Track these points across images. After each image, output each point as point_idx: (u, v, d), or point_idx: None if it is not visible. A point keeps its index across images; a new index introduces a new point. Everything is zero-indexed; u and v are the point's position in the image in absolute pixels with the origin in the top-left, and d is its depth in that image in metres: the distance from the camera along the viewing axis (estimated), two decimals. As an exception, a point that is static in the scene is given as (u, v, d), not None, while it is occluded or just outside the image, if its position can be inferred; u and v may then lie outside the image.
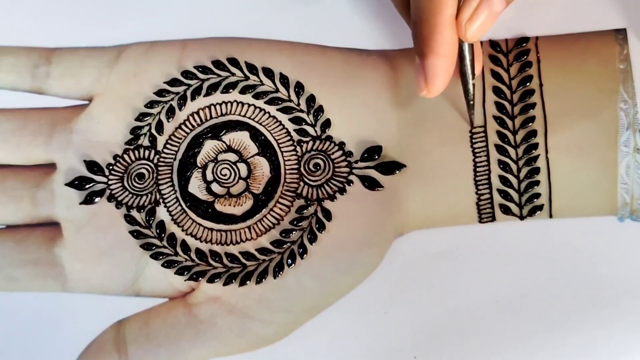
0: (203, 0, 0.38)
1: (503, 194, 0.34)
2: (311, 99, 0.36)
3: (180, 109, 0.37)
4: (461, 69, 0.32)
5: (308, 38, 0.37)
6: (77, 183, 0.36)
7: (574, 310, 0.33)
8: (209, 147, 0.36)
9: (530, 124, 0.34)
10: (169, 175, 0.36)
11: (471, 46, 0.31)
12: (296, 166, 0.35)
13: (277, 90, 0.36)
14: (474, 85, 0.33)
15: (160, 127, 0.37)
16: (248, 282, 0.34)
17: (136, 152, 0.36)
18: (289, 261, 0.34)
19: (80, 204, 0.36)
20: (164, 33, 0.38)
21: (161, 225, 0.35)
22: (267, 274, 0.34)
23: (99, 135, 0.37)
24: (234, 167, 0.36)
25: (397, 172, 0.35)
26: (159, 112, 0.37)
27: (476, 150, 0.35)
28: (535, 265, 0.34)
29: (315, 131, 0.36)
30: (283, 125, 0.36)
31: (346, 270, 0.34)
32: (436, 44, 0.29)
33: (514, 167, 0.34)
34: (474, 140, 0.35)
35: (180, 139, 0.36)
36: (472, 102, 0.33)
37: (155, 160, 0.36)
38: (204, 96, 0.37)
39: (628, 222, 0.33)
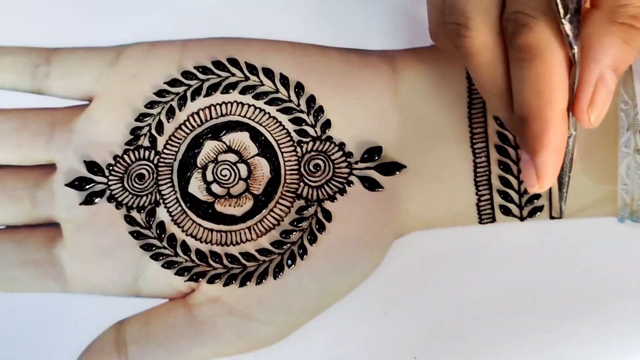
0: (203, 0, 0.38)
1: (503, 194, 0.34)
2: (311, 100, 0.36)
3: (180, 110, 0.37)
4: (562, 162, 0.31)
5: (308, 38, 0.37)
6: (77, 183, 0.36)
7: (574, 310, 0.33)
8: (209, 147, 0.36)
9: (531, 124, 0.34)
10: (169, 175, 0.36)
11: (574, 138, 0.30)
12: (296, 167, 0.35)
13: (277, 91, 0.36)
14: (569, 177, 0.32)
15: (160, 128, 0.36)
16: (248, 282, 0.34)
17: (136, 152, 0.36)
18: (289, 262, 0.34)
19: (80, 204, 0.36)
20: (164, 33, 0.38)
21: (161, 225, 0.35)
22: (267, 275, 0.34)
23: (99, 136, 0.37)
24: (234, 167, 0.36)
25: (397, 172, 0.35)
26: (159, 113, 0.37)
27: (476, 151, 0.35)
28: (535, 266, 0.34)
29: (316, 132, 0.36)
30: (283, 126, 0.36)
31: (346, 270, 0.34)
32: (548, 140, 0.28)
33: (514, 167, 0.34)
34: (474, 141, 0.35)
35: (181, 139, 0.36)
36: (566, 195, 0.32)
37: (155, 161, 0.36)
38: (204, 97, 0.37)
39: (628, 223, 0.33)
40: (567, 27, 0.27)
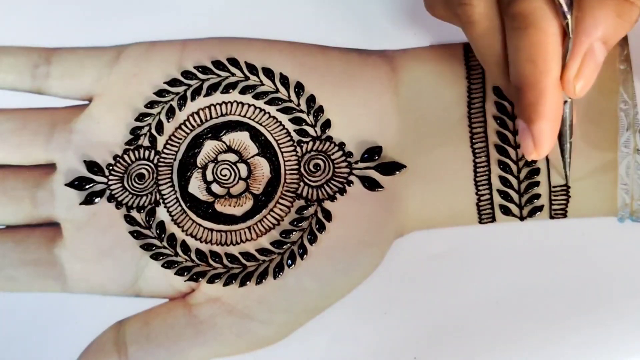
0: (203, 0, 0.38)
1: (503, 194, 0.34)
2: (311, 99, 0.36)
3: (180, 109, 0.37)
4: (560, 129, 0.32)
5: (308, 38, 0.37)
6: (77, 183, 0.36)
7: (574, 310, 0.33)
8: (209, 147, 0.36)
9: (531, 124, 0.34)
10: (169, 175, 0.36)
11: (571, 105, 0.31)
12: (296, 166, 0.35)
13: (277, 91, 0.36)
14: (571, 143, 0.32)
15: (160, 128, 0.36)
16: (248, 282, 0.34)
17: (136, 152, 0.36)
18: (289, 262, 0.34)
19: (80, 204, 0.36)
20: (164, 33, 0.38)
21: (161, 225, 0.35)
22: (267, 275, 0.34)
23: (99, 136, 0.37)
24: (234, 167, 0.36)
25: (397, 172, 0.35)
26: (159, 113, 0.37)
27: (476, 151, 0.35)
28: (535, 266, 0.34)
29: (316, 131, 0.36)
30: (283, 126, 0.36)
31: (346, 270, 0.34)
32: (544, 108, 0.29)
33: (514, 167, 0.34)
34: (474, 141, 0.35)
35: (181, 139, 0.36)
36: (569, 160, 0.33)
37: (155, 161, 0.36)
38: (204, 96, 0.37)
39: (628, 222, 0.33)
40: None
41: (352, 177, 0.35)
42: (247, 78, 0.37)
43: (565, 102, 0.31)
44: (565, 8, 0.27)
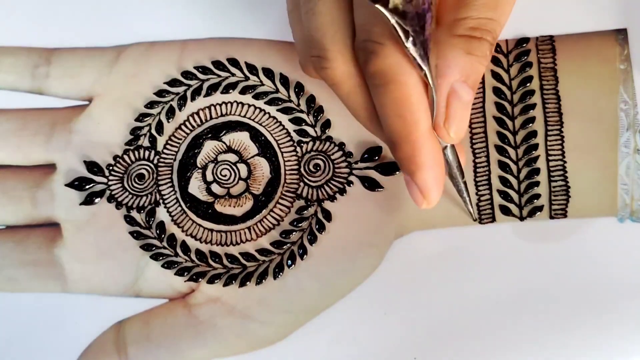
0: (203, 0, 0.38)
1: (503, 194, 0.34)
2: (311, 100, 0.36)
3: (180, 110, 0.37)
4: (450, 172, 0.32)
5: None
6: (77, 184, 0.36)
7: (574, 310, 0.33)
8: (209, 147, 0.36)
9: (531, 124, 0.34)
10: (169, 175, 0.36)
11: (452, 148, 0.31)
12: (296, 167, 0.35)
13: (277, 91, 0.36)
14: (465, 182, 0.32)
15: (160, 128, 0.36)
16: (248, 283, 0.34)
17: (136, 152, 0.36)
18: (289, 262, 0.34)
19: (80, 204, 0.36)
20: (163, 33, 0.38)
21: (161, 225, 0.35)
22: (267, 275, 0.34)
23: (98, 136, 0.37)
24: (234, 167, 0.36)
25: (397, 172, 0.35)
26: (159, 113, 0.37)
27: (476, 151, 0.35)
28: (536, 266, 0.34)
29: (315, 132, 0.36)
30: (283, 126, 0.36)
31: (346, 270, 0.34)
32: (421, 159, 0.28)
33: (514, 167, 0.34)
34: (474, 141, 0.35)
35: (180, 139, 0.36)
36: (469, 198, 0.33)
37: (155, 161, 0.36)
38: (204, 96, 0.37)
39: (628, 223, 0.33)
40: (412, 50, 0.27)
41: (352, 178, 0.35)
42: (247, 78, 0.37)
43: (445, 147, 0.30)
44: (418, 60, 0.27)
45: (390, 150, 0.30)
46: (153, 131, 0.36)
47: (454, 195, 0.34)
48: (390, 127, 0.29)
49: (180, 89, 0.37)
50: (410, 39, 0.26)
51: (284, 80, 0.36)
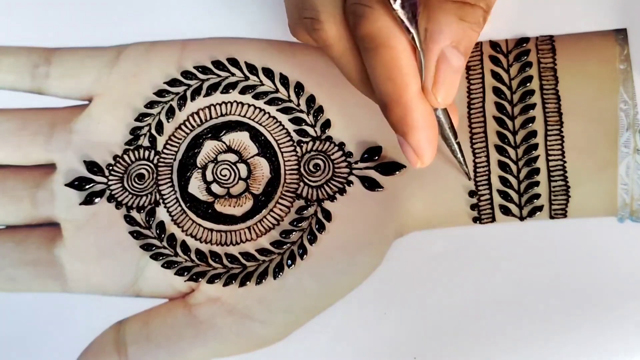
0: (203, 0, 0.38)
1: (503, 194, 0.34)
2: (311, 100, 0.36)
3: (180, 109, 0.37)
4: (442, 133, 0.32)
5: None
6: (77, 183, 0.36)
7: (574, 310, 0.33)
8: (209, 147, 0.36)
9: (530, 124, 0.34)
10: (169, 175, 0.36)
11: (444, 110, 0.31)
12: (296, 167, 0.35)
13: (277, 91, 0.36)
14: (458, 143, 0.33)
15: (160, 128, 0.37)
16: (248, 282, 0.34)
17: (136, 152, 0.36)
18: (289, 262, 0.34)
19: (80, 204, 0.36)
20: (164, 33, 0.38)
21: (161, 225, 0.35)
22: (267, 275, 0.34)
23: (98, 136, 0.37)
24: (234, 167, 0.36)
25: (397, 172, 0.35)
26: (159, 113, 0.37)
27: (476, 151, 0.35)
28: (535, 266, 0.34)
29: (315, 132, 0.36)
30: (283, 126, 0.36)
31: (346, 270, 0.34)
32: (413, 120, 0.29)
33: (513, 167, 0.34)
34: (473, 141, 0.35)
35: (180, 139, 0.36)
36: (463, 158, 0.33)
37: (155, 161, 0.36)
38: (204, 96, 0.37)
39: (628, 222, 0.33)
40: (400, 13, 0.27)
41: (352, 177, 0.35)
42: (247, 78, 0.37)
43: (436, 108, 0.30)
44: (406, 23, 0.27)
45: (382, 112, 0.30)
46: (153, 131, 0.37)
47: (453, 195, 0.34)
48: (381, 90, 0.29)
49: (180, 89, 0.37)
50: (399, 1, 0.27)
51: (284, 80, 0.36)
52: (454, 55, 0.28)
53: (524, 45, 0.35)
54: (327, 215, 0.35)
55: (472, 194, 0.34)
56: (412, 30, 0.27)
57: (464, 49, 0.29)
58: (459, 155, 0.33)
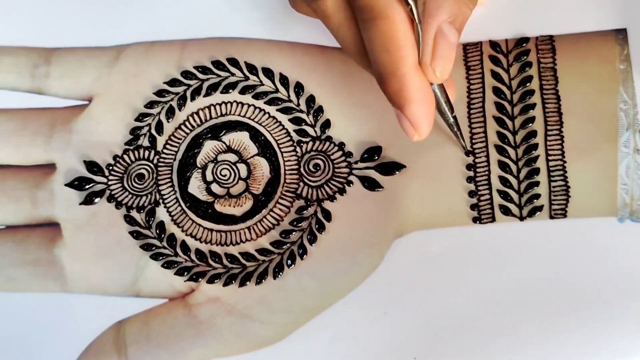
0: (203, 0, 0.38)
1: (503, 194, 0.34)
2: (311, 100, 0.36)
3: (180, 109, 0.37)
4: (439, 108, 0.32)
5: (308, 38, 0.37)
6: (77, 183, 0.36)
7: (574, 310, 0.33)
8: (209, 147, 0.36)
9: (530, 124, 0.34)
10: (169, 175, 0.36)
11: (440, 84, 0.31)
12: (296, 167, 0.35)
13: (277, 91, 0.36)
14: (455, 117, 0.33)
15: (160, 128, 0.37)
16: (248, 282, 0.34)
17: (136, 152, 0.36)
18: (289, 262, 0.34)
19: (80, 204, 0.36)
20: (164, 33, 0.38)
21: (161, 225, 0.35)
22: (267, 275, 0.34)
23: (98, 136, 0.37)
24: (234, 167, 0.36)
25: (397, 172, 0.35)
26: (159, 113, 0.37)
27: (476, 151, 0.35)
28: (535, 266, 0.34)
29: (315, 132, 0.36)
30: (283, 126, 0.36)
31: (346, 270, 0.34)
32: (410, 93, 0.29)
33: (513, 167, 0.34)
34: (474, 141, 0.35)
35: (180, 139, 0.36)
36: (460, 132, 0.33)
37: (155, 161, 0.36)
38: (204, 96, 0.37)
39: (628, 222, 0.33)
40: None
41: (351, 177, 0.35)
42: (246, 78, 0.37)
43: (432, 83, 0.31)
44: None
45: (378, 84, 0.30)
46: (153, 131, 0.37)
47: (453, 195, 0.34)
48: (378, 62, 0.29)
49: (180, 89, 0.37)
50: None
51: (284, 80, 0.36)
52: (450, 31, 0.29)
53: (524, 45, 0.35)
54: (327, 215, 0.35)
55: (472, 194, 0.34)
56: (411, 1, 0.28)
57: (459, 25, 0.29)
58: (455, 129, 0.33)
